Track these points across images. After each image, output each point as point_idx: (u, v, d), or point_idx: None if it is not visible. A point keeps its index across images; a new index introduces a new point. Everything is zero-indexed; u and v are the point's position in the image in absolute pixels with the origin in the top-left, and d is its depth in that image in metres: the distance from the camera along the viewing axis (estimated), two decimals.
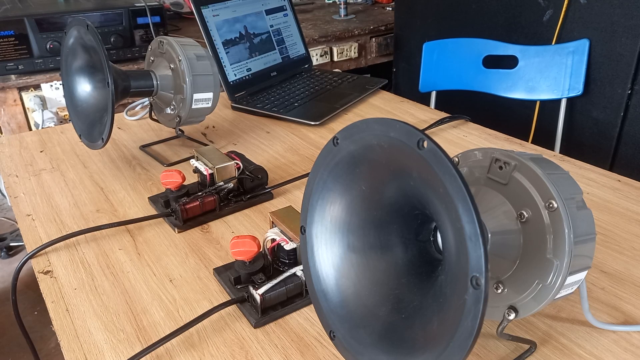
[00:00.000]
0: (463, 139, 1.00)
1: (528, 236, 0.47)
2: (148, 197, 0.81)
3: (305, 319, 0.58)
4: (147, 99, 1.16)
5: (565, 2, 1.41)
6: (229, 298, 0.60)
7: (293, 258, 0.61)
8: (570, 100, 1.48)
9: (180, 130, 0.96)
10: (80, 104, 0.90)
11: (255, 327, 0.57)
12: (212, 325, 0.57)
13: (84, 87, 0.90)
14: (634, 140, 1.38)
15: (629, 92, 1.35)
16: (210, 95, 0.91)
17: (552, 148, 1.50)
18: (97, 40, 0.79)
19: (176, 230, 0.73)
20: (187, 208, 0.73)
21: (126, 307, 0.60)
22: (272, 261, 0.62)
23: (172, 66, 0.90)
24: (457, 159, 0.53)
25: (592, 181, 0.84)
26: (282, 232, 0.62)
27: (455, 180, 0.35)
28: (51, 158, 0.96)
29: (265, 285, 0.57)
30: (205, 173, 0.76)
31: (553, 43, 1.47)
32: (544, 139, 1.57)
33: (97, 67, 0.88)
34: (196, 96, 0.89)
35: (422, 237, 0.49)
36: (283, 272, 0.59)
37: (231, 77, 1.17)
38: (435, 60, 1.64)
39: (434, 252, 0.49)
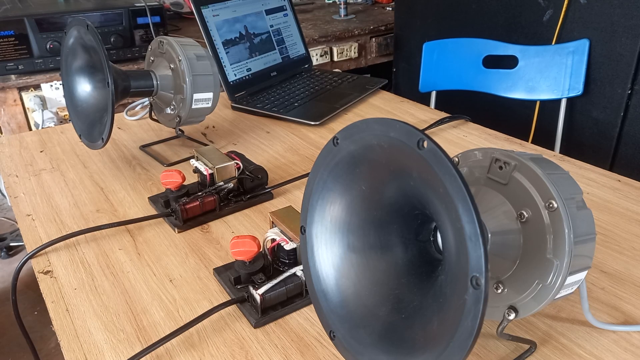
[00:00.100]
0: (463, 139, 1.00)
1: (528, 236, 0.47)
2: (148, 197, 0.81)
3: (305, 319, 0.58)
4: (147, 99, 1.16)
5: (565, 2, 1.41)
6: (229, 298, 0.60)
7: (293, 258, 0.61)
8: (570, 100, 1.48)
9: (180, 130, 0.96)
10: (80, 104, 0.90)
11: (255, 327, 0.57)
12: (212, 325, 0.57)
13: (84, 87, 0.90)
14: (634, 140, 1.38)
15: (629, 92, 1.35)
16: (210, 95, 0.91)
17: (552, 148, 1.50)
18: (97, 40, 0.79)
19: (176, 230, 0.73)
20: (187, 208, 0.73)
21: (126, 307, 0.60)
22: (272, 261, 0.62)
23: (172, 66, 0.90)
24: (457, 159, 0.53)
25: (592, 181, 0.84)
26: (282, 232, 0.62)
27: (455, 180, 0.35)
28: (51, 158, 0.96)
29: (265, 285, 0.57)
30: (205, 173, 0.76)
31: (553, 43, 1.47)
32: (544, 139, 1.57)
33: (97, 67, 0.88)
34: (196, 96, 0.89)
35: (422, 237, 0.49)
36: (283, 272, 0.59)
37: (231, 77, 1.17)
38: (435, 60, 1.64)
39: (434, 252, 0.49)
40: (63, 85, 0.91)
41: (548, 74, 1.47)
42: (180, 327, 0.55)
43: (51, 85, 1.47)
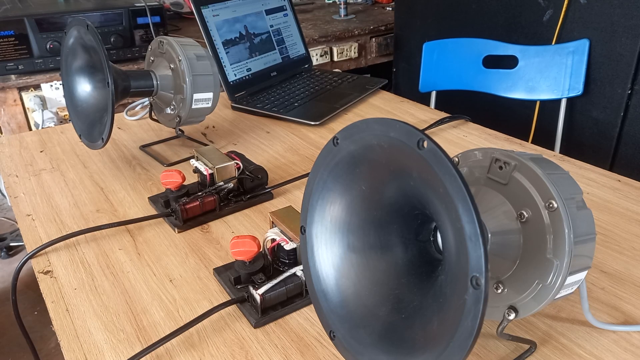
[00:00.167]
0: (463, 139, 1.00)
1: (528, 236, 0.47)
2: (148, 197, 0.81)
3: (305, 319, 0.58)
4: (147, 99, 1.16)
5: (565, 2, 1.41)
6: (229, 298, 0.60)
7: (293, 258, 0.61)
8: (570, 100, 1.48)
9: (180, 130, 0.96)
10: (80, 104, 0.90)
11: (255, 327, 0.57)
12: (212, 325, 0.57)
13: (84, 87, 0.90)
14: (634, 140, 1.38)
15: (629, 92, 1.35)
16: (210, 95, 0.91)
17: (552, 148, 1.50)
18: (97, 40, 0.79)
19: (176, 230, 0.73)
20: (187, 208, 0.73)
21: (126, 307, 0.60)
22: (272, 261, 0.62)
23: (172, 66, 0.90)
24: (457, 159, 0.53)
25: (592, 181, 0.84)
26: (282, 232, 0.62)
27: (455, 180, 0.35)
28: (51, 158, 0.96)
29: (265, 285, 0.57)
30: (205, 173, 0.76)
31: (553, 43, 1.47)
32: (544, 139, 1.57)
33: (97, 67, 0.88)
34: (196, 96, 0.89)
35: (422, 237, 0.49)
36: (283, 272, 0.59)
37: (231, 77, 1.17)
38: (435, 60, 1.64)
39: (434, 252, 0.49)
40: (63, 85, 0.91)
41: (548, 74, 1.47)
42: (180, 327, 0.55)
43: (51, 85, 1.47)
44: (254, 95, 1.19)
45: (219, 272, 0.64)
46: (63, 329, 0.57)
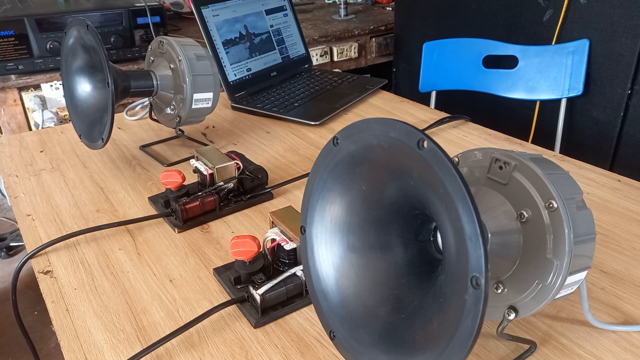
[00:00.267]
0: (463, 139, 1.00)
1: (528, 236, 0.47)
2: (148, 197, 0.81)
3: (305, 319, 0.58)
4: (147, 99, 1.16)
5: (565, 2, 1.41)
6: (229, 298, 0.60)
7: (293, 258, 0.61)
8: (570, 100, 1.48)
9: (180, 130, 0.96)
10: (80, 104, 0.90)
11: (255, 327, 0.57)
12: (212, 325, 0.57)
13: (84, 87, 0.90)
14: (634, 140, 1.38)
15: (629, 92, 1.35)
16: (210, 95, 0.91)
17: (552, 148, 1.50)
18: (97, 40, 0.79)
19: (176, 230, 0.73)
20: (187, 208, 0.73)
21: (126, 307, 0.60)
22: (272, 261, 0.62)
23: (172, 66, 0.90)
24: (457, 159, 0.53)
25: (592, 181, 0.84)
26: (282, 232, 0.62)
27: (455, 180, 0.35)
28: (51, 158, 0.96)
29: (265, 285, 0.57)
30: (205, 173, 0.76)
31: (553, 43, 1.47)
32: (544, 139, 1.57)
33: (97, 67, 0.88)
34: (196, 96, 0.89)
35: (422, 237, 0.49)
36: (283, 272, 0.59)
37: (231, 77, 1.17)
38: (435, 60, 1.64)
39: (434, 252, 0.49)
40: (63, 85, 0.91)
41: (548, 74, 1.47)
42: (180, 327, 0.55)
43: (51, 85, 1.47)
44: (254, 95, 1.19)
45: (219, 272, 0.64)
46: (63, 329, 0.57)
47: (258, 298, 0.56)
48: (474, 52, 1.58)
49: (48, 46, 1.44)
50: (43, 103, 1.47)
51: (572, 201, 0.47)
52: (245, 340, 0.55)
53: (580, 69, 1.42)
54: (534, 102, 1.56)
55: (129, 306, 0.60)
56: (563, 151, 1.52)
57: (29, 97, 1.46)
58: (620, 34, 1.33)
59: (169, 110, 0.93)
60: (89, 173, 0.90)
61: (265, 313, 0.57)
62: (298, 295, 0.59)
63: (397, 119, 0.40)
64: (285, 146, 0.99)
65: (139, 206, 0.79)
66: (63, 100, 1.49)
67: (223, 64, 1.15)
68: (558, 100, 1.48)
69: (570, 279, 0.47)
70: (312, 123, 1.07)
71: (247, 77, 1.20)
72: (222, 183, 0.76)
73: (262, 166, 0.80)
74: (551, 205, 0.46)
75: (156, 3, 1.60)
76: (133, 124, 1.10)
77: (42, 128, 1.38)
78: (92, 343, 0.55)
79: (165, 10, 1.69)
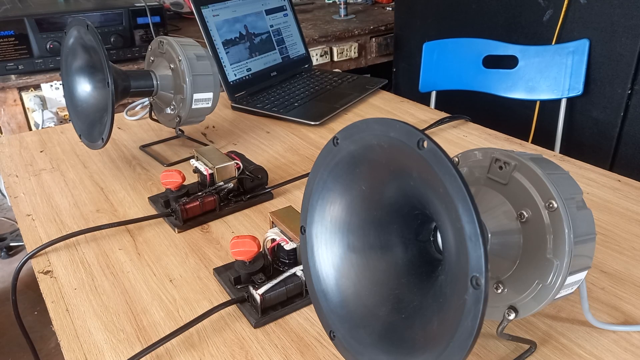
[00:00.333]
0: (463, 139, 1.00)
1: (528, 236, 0.47)
2: (148, 197, 0.81)
3: (305, 319, 0.58)
4: (147, 99, 1.16)
5: (565, 2, 1.41)
6: (229, 298, 0.60)
7: (293, 258, 0.61)
8: (570, 100, 1.48)
9: (180, 130, 0.96)
10: (80, 104, 0.90)
11: (255, 327, 0.57)
12: (212, 325, 0.57)
13: (84, 87, 0.90)
14: (634, 140, 1.38)
15: (629, 92, 1.35)
16: (210, 95, 0.91)
17: (552, 148, 1.50)
18: (97, 40, 0.79)
19: (176, 230, 0.73)
20: (187, 208, 0.73)
21: (126, 307, 0.60)
22: (272, 261, 0.62)
23: (172, 66, 0.90)
24: (457, 159, 0.53)
25: (592, 181, 0.84)
26: (282, 232, 0.62)
27: (455, 180, 0.35)
28: (51, 158, 0.96)
29: (265, 285, 0.57)
30: (205, 173, 0.76)
31: (553, 43, 1.47)
32: (544, 139, 1.57)
33: (97, 67, 0.88)
34: (196, 96, 0.89)
35: (422, 237, 0.49)
36: (283, 272, 0.59)
37: (231, 77, 1.17)
38: (435, 60, 1.64)
39: (434, 252, 0.49)
40: (63, 85, 0.91)
41: (548, 74, 1.47)
42: (180, 327, 0.55)
43: (51, 85, 1.47)
44: (254, 95, 1.19)
45: (219, 272, 0.64)
46: (63, 329, 0.57)
47: (258, 298, 0.56)
48: (474, 52, 1.58)
49: (48, 46, 1.44)
50: (43, 103, 1.47)
51: (572, 201, 0.47)
52: (245, 340, 0.55)
53: (580, 69, 1.42)
54: (534, 102, 1.57)
55: (129, 306, 0.60)
56: (563, 151, 1.52)
57: (29, 97, 1.46)
58: (620, 34, 1.33)
59: (169, 110, 0.93)
60: (89, 173, 0.90)
61: (265, 313, 0.57)
62: (298, 295, 0.59)
63: (397, 119, 0.40)
64: (285, 146, 0.99)
65: (139, 206, 0.79)
66: (63, 100, 1.49)
67: (223, 64, 1.15)
68: (558, 100, 1.48)
69: (570, 279, 0.47)
70: (312, 123, 1.07)
71: (247, 77, 1.20)
72: (222, 183, 0.76)
73: (262, 166, 0.80)
74: (551, 205, 0.46)
75: (156, 3, 1.60)
76: (133, 124, 1.10)
77: (42, 128, 1.38)
78: (92, 343, 0.55)
79: (165, 10, 1.69)
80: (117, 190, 0.84)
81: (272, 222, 0.64)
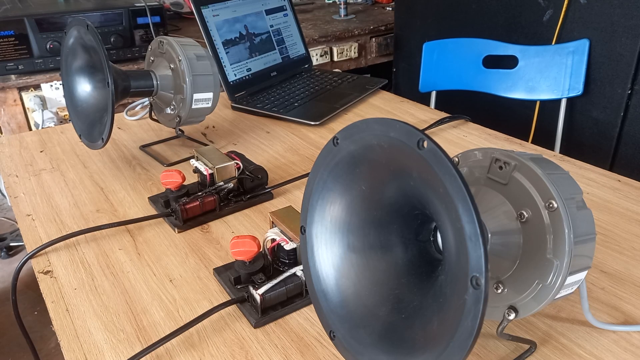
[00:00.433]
0: (463, 139, 1.00)
1: (528, 236, 0.47)
2: (148, 197, 0.81)
3: (305, 319, 0.58)
4: (147, 99, 1.16)
5: (565, 2, 1.41)
6: (229, 298, 0.60)
7: (293, 258, 0.61)
8: (570, 100, 1.48)
9: (180, 130, 0.96)
10: (80, 104, 0.90)
11: (255, 327, 0.57)
12: (212, 325, 0.57)
13: (84, 87, 0.90)
14: (634, 140, 1.38)
15: (629, 92, 1.35)
16: (210, 95, 0.91)
17: (552, 148, 1.50)
18: (97, 40, 0.79)
19: (176, 230, 0.73)
20: (187, 208, 0.73)
21: (126, 307, 0.60)
22: (272, 261, 0.62)
23: (172, 66, 0.90)
24: (457, 159, 0.53)
25: (592, 181, 0.84)
26: (282, 232, 0.62)
27: (455, 180, 0.35)
28: (51, 158, 0.96)
29: (265, 285, 0.57)
30: (205, 173, 0.76)
31: (553, 43, 1.47)
32: (544, 139, 1.57)
33: (97, 67, 0.88)
34: (196, 96, 0.89)
35: (422, 237, 0.49)
36: (283, 272, 0.59)
37: (231, 77, 1.17)
38: (435, 60, 1.64)
39: (434, 252, 0.49)
40: (63, 85, 0.91)
41: (548, 74, 1.47)
42: (180, 327, 0.55)
43: (51, 85, 1.47)
44: (254, 95, 1.19)
45: (219, 272, 0.64)
46: (63, 329, 0.57)
47: (258, 298, 0.56)
48: (474, 52, 1.58)
49: (48, 46, 1.44)
50: (43, 103, 1.47)
51: (572, 201, 0.47)
52: (245, 340, 0.55)
53: (580, 69, 1.42)
54: (534, 102, 1.57)
55: (129, 306, 0.60)
56: (563, 151, 1.52)
57: (29, 97, 1.46)
58: (620, 34, 1.33)
59: (169, 110, 0.93)
60: (89, 173, 0.90)
61: (265, 313, 0.57)
62: (298, 295, 0.59)
63: (397, 119, 0.40)
64: (285, 146, 0.99)
65: (139, 206, 0.79)
66: (63, 100, 1.49)
67: (223, 64, 1.15)
68: (558, 100, 1.48)
69: (570, 279, 0.47)
70: (312, 123, 1.07)
71: (247, 77, 1.20)
72: (222, 183, 0.76)
73: (262, 166, 0.80)
74: (551, 205, 0.46)
75: (156, 3, 1.60)
76: (133, 124, 1.10)
77: (42, 128, 1.38)
78: (92, 343, 0.55)
79: (165, 10, 1.69)
80: (117, 190, 0.84)
81: (272, 222, 0.64)
